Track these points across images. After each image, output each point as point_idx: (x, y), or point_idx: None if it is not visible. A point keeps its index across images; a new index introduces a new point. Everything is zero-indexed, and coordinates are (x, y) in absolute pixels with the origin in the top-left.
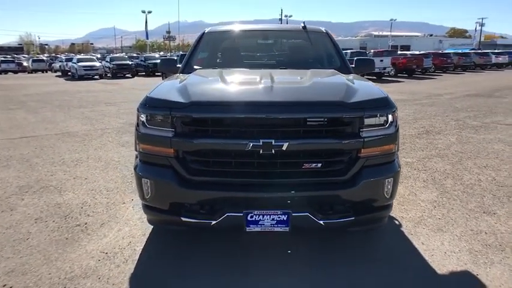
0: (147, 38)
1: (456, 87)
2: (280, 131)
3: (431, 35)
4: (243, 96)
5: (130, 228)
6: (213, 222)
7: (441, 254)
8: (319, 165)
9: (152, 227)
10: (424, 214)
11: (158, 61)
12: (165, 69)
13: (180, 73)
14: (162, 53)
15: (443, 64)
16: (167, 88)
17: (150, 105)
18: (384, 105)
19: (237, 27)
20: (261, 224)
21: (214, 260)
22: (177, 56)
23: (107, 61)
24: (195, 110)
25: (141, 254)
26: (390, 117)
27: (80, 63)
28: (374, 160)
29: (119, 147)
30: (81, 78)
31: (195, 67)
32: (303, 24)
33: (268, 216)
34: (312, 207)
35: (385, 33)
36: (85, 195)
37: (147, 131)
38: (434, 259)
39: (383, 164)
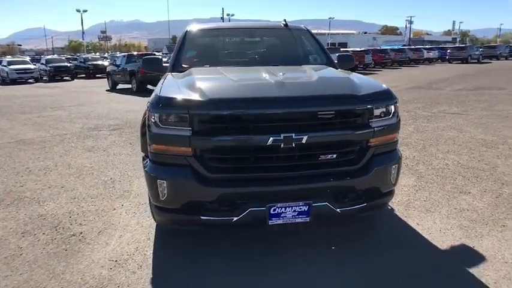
0: (83, 38)
1: (397, 81)
2: (300, 124)
3: (365, 33)
4: (259, 92)
5: (132, 234)
6: (235, 218)
7: (437, 232)
8: (335, 155)
9: (154, 230)
10: (410, 198)
11: (100, 62)
12: (150, 68)
13: (170, 72)
14: (98, 54)
15: (382, 60)
16: (176, 87)
17: (165, 104)
18: (388, 97)
19: (220, 25)
20: (283, 217)
21: (230, 260)
22: (124, 56)
23: (42, 63)
24: (214, 108)
25: (153, 258)
26: (393, 108)
27: (11, 66)
28: (382, 148)
29: (87, 153)
30: (14, 82)
31: (184, 66)
32: (284, 22)
33: (290, 208)
34: (330, 196)
35: (322, 31)
36: (69, 204)
37: (161, 131)
38: (433, 237)
39: (389, 151)
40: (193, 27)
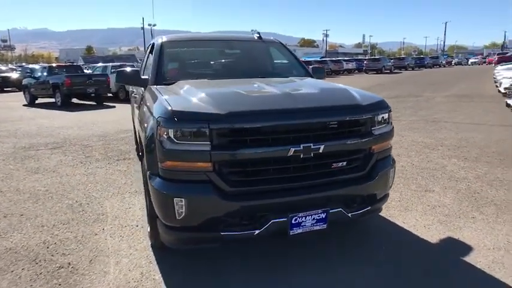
0: None
1: None
2: (317, 134)
3: None
4: (276, 104)
5: (129, 259)
6: (257, 231)
7: (423, 228)
8: (345, 163)
9: (152, 253)
10: None
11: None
12: (126, 81)
13: (153, 85)
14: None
15: None
16: (185, 100)
17: (181, 118)
18: (385, 106)
19: (196, 36)
20: (303, 226)
21: (248, 276)
22: (45, 68)
23: None
24: (234, 121)
25: (165, 283)
26: (388, 116)
27: None
28: (381, 154)
29: (34, 175)
30: None
31: (168, 79)
32: (257, 35)
33: (310, 216)
34: (342, 202)
35: None
36: (39, 234)
37: (178, 147)
38: (421, 232)
39: (386, 157)
40: (168, 38)
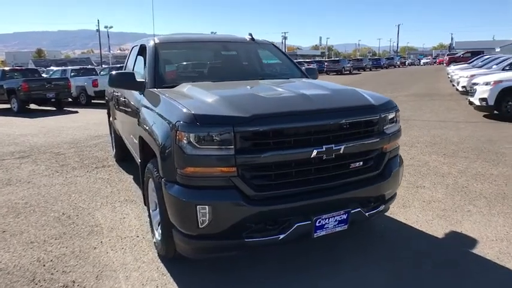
0: None
1: None
2: (337, 135)
3: None
4: (296, 106)
5: (139, 273)
6: (282, 236)
7: (425, 224)
8: (361, 163)
9: (162, 264)
10: None
11: None
12: (120, 84)
13: (153, 88)
14: None
15: None
16: (201, 103)
17: (203, 122)
18: (393, 105)
19: (189, 38)
20: (326, 228)
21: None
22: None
23: None
24: (259, 123)
25: None
26: (397, 115)
27: None
28: (392, 153)
29: (6, 187)
30: None
31: (168, 81)
32: (250, 36)
33: (333, 218)
34: (360, 202)
35: None
36: (30, 251)
37: (199, 152)
38: (425, 228)
39: (396, 156)
40: (161, 40)
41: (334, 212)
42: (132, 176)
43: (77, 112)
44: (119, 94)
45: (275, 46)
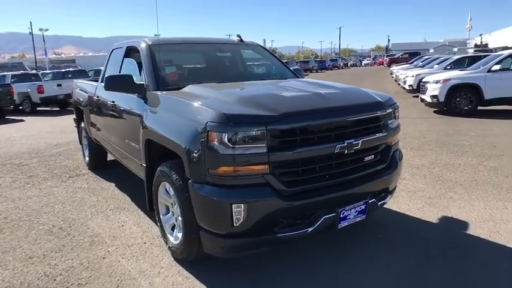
0: None
1: None
2: (355, 130)
3: None
4: (317, 103)
5: (161, 278)
6: (310, 229)
7: (418, 211)
8: (373, 156)
9: (181, 267)
10: None
11: None
12: (118, 88)
13: (156, 91)
14: None
15: None
16: (227, 104)
17: (236, 122)
18: (394, 102)
19: (180, 39)
20: (348, 218)
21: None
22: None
23: None
24: (289, 121)
25: None
26: (397, 111)
27: None
28: (395, 146)
29: None
30: None
31: (170, 83)
32: (238, 38)
33: (354, 209)
34: (374, 193)
35: None
36: (33, 266)
37: (233, 151)
38: (419, 215)
39: (397, 149)
40: (154, 42)
41: (355, 203)
42: (113, 184)
43: (22, 121)
44: (104, 99)
45: (263, 47)
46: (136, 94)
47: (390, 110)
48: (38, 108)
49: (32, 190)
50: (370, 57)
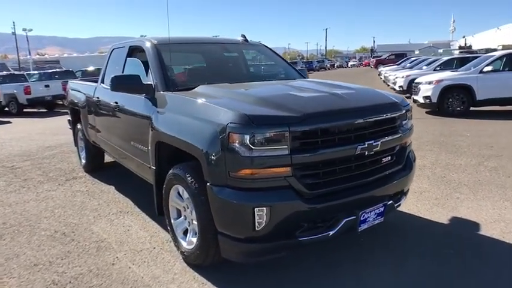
0: None
1: None
2: (374, 131)
3: None
4: (336, 104)
5: (176, 285)
6: (331, 232)
7: (427, 212)
8: (389, 158)
9: (196, 273)
10: None
11: None
12: (126, 88)
13: (166, 91)
14: None
15: None
16: (246, 105)
17: (258, 123)
18: (407, 103)
19: (185, 39)
20: (367, 221)
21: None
22: None
23: None
24: (310, 123)
25: None
26: (410, 112)
27: None
28: (409, 147)
29: None
30: None
31: (179, 84)
32: (243, 38)
33: (373, 211)
34: (391, 195)
35: None
36: (39, 274)
37: (255, 153)
38: (429, 216)
39: (411, 150)
40: (160, 41)
41: (374, 206)
42: (113, 187)
43: (9, 122)
44: (105, 99)
45: (268, 48)
46: (143, 95)
47: (405, 110)
48: (24, 110)
49: (29, 194)
50: (355, 59)
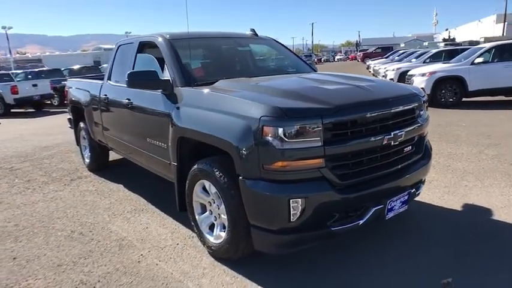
0: None
1: None
2: (398, 121)
3: None
4: (362, 96)
5: (208, 279)
6: (361, 221)
7: (440, 200)
8: (410, 147)
9: (226, 267)
10: None
11: None
12: (144, 84)
13: (185, 87)
14: None
15: None
16: (277, 98)
17: (292, 116)
18: (424, 94)
19: (199, 33)
20: (393, 209)
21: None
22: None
23: None
24: (342, 114)
25: None
26: (426, 103)
27: None
28: (426, 137)
29: None
30: None
31: (198, 79)
32: (252, 32)
33: (399, 200)
34: (413, 184)
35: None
36: (65, 275)
37: (289, 146)
38: (442, 204)
39: (427, 140)
40: (173, 37)
41: (400, 194)
42: (121, 185)
43: None
44: (114, 97)
45: (278, 42)
46: (160, 91)
47: (422, 101)
48: (12, 110)
49: (35, 195)
50: (341, 53)
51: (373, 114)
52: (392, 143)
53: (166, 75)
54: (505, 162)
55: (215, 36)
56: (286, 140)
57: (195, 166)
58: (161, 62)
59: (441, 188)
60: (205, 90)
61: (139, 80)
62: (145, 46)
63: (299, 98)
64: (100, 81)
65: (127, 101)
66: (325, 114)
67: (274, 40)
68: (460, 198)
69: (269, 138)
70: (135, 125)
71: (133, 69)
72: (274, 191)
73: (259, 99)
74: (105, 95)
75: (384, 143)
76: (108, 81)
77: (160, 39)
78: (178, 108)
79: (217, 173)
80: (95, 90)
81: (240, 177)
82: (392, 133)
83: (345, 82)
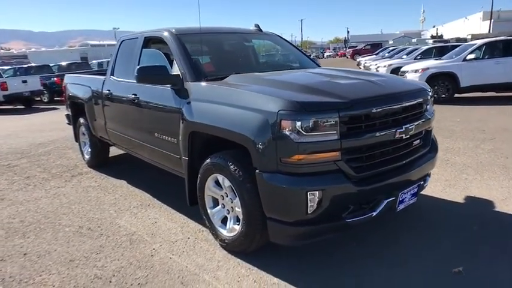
0: None
1: None
2: (409, 115)
3: None
4: (375, 90)
5: (223, 272)
6: (374, 213)
7: (442, 193)
8: (419, 141)
9: (239, 259)
10: None
11: None
12: (153, 79)
13: (195, 82)
14: None
15: None
16: (293, 92)
17: (309, 109)
18: (430, 89)
19: (202, 29)
20: (404, 201)
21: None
22: None
23: None
24: (357, 108)
25: (289, 282)
26: (432, 97)
27: None
28: (432, 131)
29: None
30: None
31: (207, 74)
32: (257, 28)
33: (409, 192)
34: (421, 176)
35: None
36: (79, 269)
37: (307, 139)
38: (445, 196)
39: (433, 134)
40: (180, 31)
41: (410, 187)
42: (124, 181)
43: None
44: (118, 92)
45: (281, 37)
46: (169, 86)
47: (429, 96)
48: (0, 107)
49: (37, 191)
50: (330, 49)
51: (386, 108)
52: (403, 137)
53: (173, 70)
54: (501, 156)
55: (221, 31)
56: (304, 133)
57: (208, 160)
58: (167, 57)
59: (442, 181)
60: (219, 84)
61: (149, 75)
62: (151, 41)
63: (315, 92)
64: (101, 77)
65: (133, 96)
66: (342, 108)
67: (278, 36)
68: (462, 191)
69: (287, 131)
70: (142, 120)
71: (138, 64)
72: (291, 184)
73: (276, 93)
74: (109, 90)
75: (395, 137)
76: (112, 76)
77: (167, 34)
78: (189, 103)
79: (231, 166)
80: (96, 86)
81: (257, 171)
82: (404, 127)
83: (356, 77)
